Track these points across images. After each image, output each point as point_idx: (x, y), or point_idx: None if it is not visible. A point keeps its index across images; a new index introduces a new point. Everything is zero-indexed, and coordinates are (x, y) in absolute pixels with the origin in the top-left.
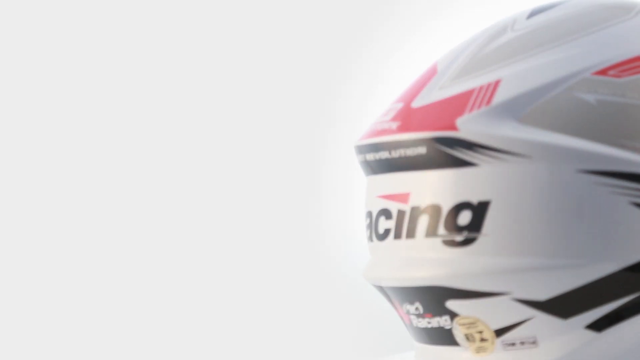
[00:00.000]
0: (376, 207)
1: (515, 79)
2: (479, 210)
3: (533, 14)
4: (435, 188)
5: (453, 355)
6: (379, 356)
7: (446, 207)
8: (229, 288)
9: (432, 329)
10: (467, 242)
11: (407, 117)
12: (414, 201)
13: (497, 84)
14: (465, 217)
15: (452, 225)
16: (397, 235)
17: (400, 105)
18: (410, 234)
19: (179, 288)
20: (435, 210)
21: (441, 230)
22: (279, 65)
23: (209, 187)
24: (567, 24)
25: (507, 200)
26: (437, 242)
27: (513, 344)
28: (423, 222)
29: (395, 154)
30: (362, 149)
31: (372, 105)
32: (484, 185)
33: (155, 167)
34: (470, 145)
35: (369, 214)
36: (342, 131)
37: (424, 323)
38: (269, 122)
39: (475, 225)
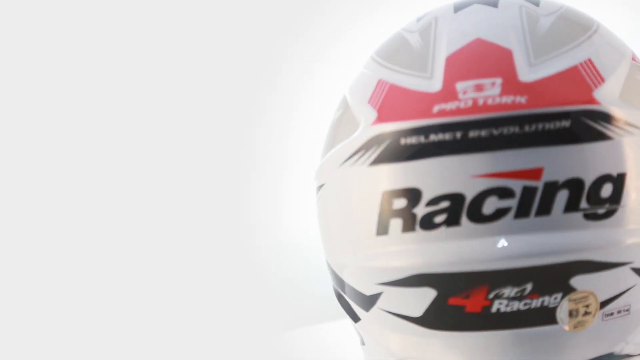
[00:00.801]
0: (475, 187)
1: (604, 58)
2: (619, 182)
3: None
4: (577, 162)
5: (542, 336)
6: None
7: (588, 180)
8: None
9: (526, 310)
10: (608, 214)
11: (529, 91)
12: (548, 176)
13: (590, 62)
14: (607, 190)
15: (595, 198)
16: (522, 214)
17: (499, 80)
18: (544, 210)
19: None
20: (577, 184)
21: (583, 204)
22: (208, 60)
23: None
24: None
25: None
26: (577, 216)
27: (612, 314)
28: (562, 197)
29: (530, 128)
30: (465, 125)
31: (303, 102)
32: (621, 158)
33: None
34: (610, 119)
35: (455, 197)
36: (271, 127)
37: (517, 306)
38: (201, 116)
39: (616, 197)
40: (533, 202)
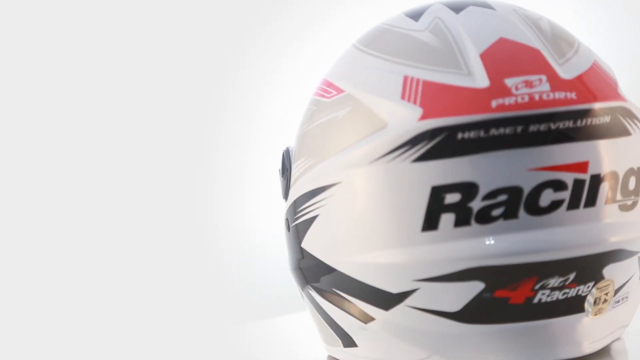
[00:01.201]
0: (533, 180)
1: (600, 60)
2: (639, 175)
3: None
4: (613, 155)
5: (569, 323)
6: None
7: (621, 173)
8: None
9: (565, 300)
10: (633, 205)
11: (575, 88)
12: (593, 169)
13: (597, 64)
14: (633, 182)
15: (626, 190)
16: (574, 206)
17: (544, 77)
18: (590, 202)
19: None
20: (614, 177)
21: (619, 195)
22: (169, 58)
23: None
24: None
25: None
26: (614, 207)
27: (619, 301)
28: (604, 189)
29: (582, 123)
30: (526, 119)
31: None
32: (639, 152)
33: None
34: (632, 116)
35: (513, 190)
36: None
37: (557, 295)
38: (163, 117)
39: (638, 189)
40: (582, 194)
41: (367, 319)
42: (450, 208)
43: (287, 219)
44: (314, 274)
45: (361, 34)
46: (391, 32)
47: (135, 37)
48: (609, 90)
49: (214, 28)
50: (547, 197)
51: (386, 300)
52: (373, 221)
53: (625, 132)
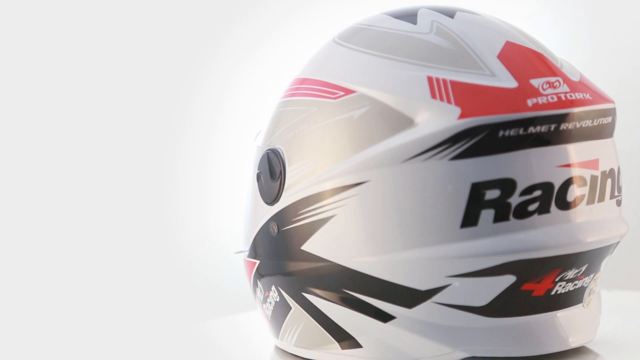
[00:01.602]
0: (561, 176)
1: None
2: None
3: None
4: (612, 153)
5: (573, 313)
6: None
7: (617, 170)
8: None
9: (573, 290)
10: (621, 201)
11: (585, 90)
12: (602, 166)
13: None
14: (620, 180)
15: (618, 186)
16: (591, 201)
17: (560, 79)
18: (602, 197)
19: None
20: (614, 173)
21: (616, 191)
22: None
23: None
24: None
25: None
26: (614, 202)
27: (594, 292)
28: (609, 185)
29: (596, 122)
30: (559, 118)
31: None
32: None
33: None
34: (616, 118)
35: (546, 185)
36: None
37: (570, 287)
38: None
39: (621, 186)
40: (596, 189)
41: (385, 318)
42: (490, 204)
43: (273, 223)
44: (315, 276)
45: (350, 35)
46: (392, 35)
47: (103, 36)
48: (603, 93)
49: (180, 29)
50: (572, 192)
51: (412, 298)
52: (407, 219)
53: (613, 132)
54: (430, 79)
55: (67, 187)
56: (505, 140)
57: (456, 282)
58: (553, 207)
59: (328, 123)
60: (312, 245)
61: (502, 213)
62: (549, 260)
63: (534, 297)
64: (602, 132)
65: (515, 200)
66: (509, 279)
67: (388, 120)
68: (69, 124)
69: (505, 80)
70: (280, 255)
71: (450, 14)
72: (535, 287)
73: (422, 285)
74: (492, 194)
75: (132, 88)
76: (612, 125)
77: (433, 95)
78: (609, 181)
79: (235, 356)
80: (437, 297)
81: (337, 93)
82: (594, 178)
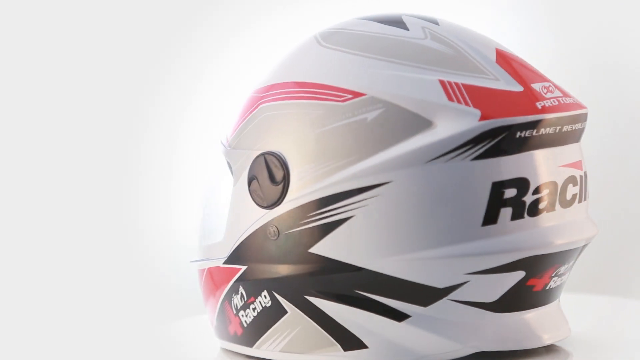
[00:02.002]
0: (562, 176)
1: None
2: None
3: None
4: (582, 156)
5: (551, 310)
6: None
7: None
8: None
9: (560, 285)
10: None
11: (569, 95)
12: (584, 167)
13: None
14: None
15: (587, 188)
16: (580, 199)
17: (551, 84)
18: (584, 196)
19: None
20: (586, 175)
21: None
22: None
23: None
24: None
25: None
26: (587, 203)
27: None
28: (587, 185)
29: (581, 125)
30: (564, 120)
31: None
32: None
33: None
34: None
35: (551, 184)
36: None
37: (558, 282)
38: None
39: None
40: (583, 189)
41: (400, 317)
42: (508, 202)
43: (273, 227)
44: (323, 279)
45: (341, 39)
46: (390, 39)
47: (63, 36)
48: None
49: (142, 31)
50: (570, 191)
51: (428, 296)
52: (430, 219)
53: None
54: (442, 82)
55: (29, 187)
56: (521, 141)
57: (474, 279)
58: (557, 205)
59: (338, 125)
60: (323, 248)
61: (518, 211)
62: (554, 256)
63: (534, 292)
64: (581, 135)
65: (529, 198)
66: (519, 275)
67: (405, 123)
68: (31, 123)
69: (511, 85)
70: (281, 259)
71: (433, 21)
72: (536, 283)
73: (441, 283)
74: (509, 193)
75: (95, 85)
76: (584, 128)
77: (450, 98)
78: (587, 182)
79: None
80: (453, 295)
81: (344, 96)
82: (581, 178)
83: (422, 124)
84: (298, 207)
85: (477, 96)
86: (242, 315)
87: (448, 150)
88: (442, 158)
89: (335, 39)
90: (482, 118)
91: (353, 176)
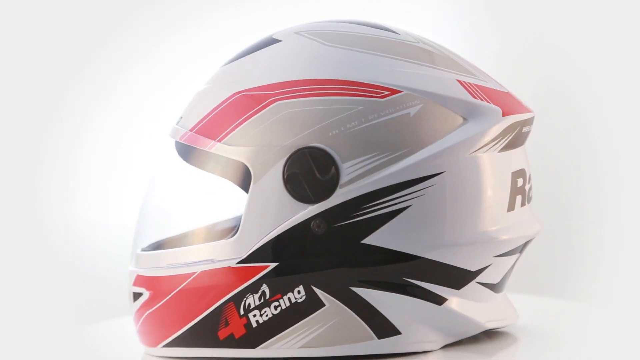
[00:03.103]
0: (524, 176)
1: None
2: None
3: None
4: None
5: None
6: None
7: None
8: None
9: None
10: None
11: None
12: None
13: None
14: None
15: None
16: (524, 202)
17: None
18: (529, 199)
19: None
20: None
21: None
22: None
23: None
24: None
25: None
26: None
27: None
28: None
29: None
30: (528, 122)
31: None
32: None
33: None
34: None
35: (530, 177)
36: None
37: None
38: None
39: None
40: (528, 192)
41: (440, 301)
42: (520, 191)
43: (320, 221)
44: (374, 269)
45: (347, 40)
46: (390, 41)
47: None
48: None
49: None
50: (527, 184)
51: (463, 279)
52: (473, 206)
53: None
54: (460, 82)
55: None
56: (523, 135)
57: (496, 261)
58: (526, 202)
59: (382, 120)
60: (377, 238)
61: (525, 198)
62: (528, 240)
63: (508, 272)
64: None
65: (527, 187)
66: (515, 257)
67: (443, 118)
68: None
69: (497, 86)
70: (326, 253)
71: (395, 29)
72: (514, 263)
73: (473, 266)
74: (520, 182)
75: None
76: None
77: (474, 96)
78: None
79: None
80: (480, 277)
81: (381, 92)
82: (529, 177)
83: (456, 119)
84: (351, 200)
85: (491, 95)
86: (254, 316)
87: (485, 143)
88: (480, 150)
89: (337, 39)
90: (504, 114)
91: (409, 167)
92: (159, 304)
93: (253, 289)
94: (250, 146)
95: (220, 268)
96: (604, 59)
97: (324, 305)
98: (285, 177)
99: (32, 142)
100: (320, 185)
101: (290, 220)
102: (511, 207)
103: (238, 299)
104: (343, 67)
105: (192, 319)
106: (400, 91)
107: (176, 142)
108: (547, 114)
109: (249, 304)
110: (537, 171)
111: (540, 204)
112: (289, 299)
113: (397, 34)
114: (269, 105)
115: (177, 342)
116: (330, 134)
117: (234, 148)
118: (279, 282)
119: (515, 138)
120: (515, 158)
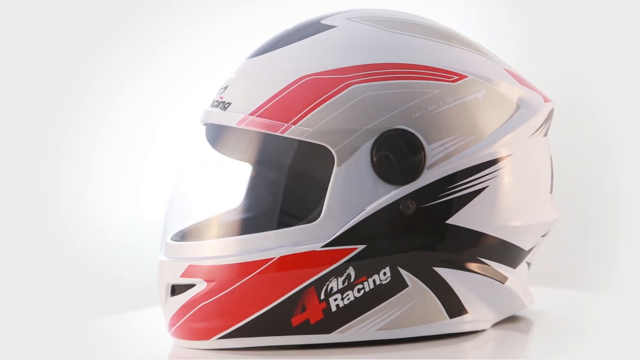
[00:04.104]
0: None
1: None
2: None
3: None
4: None
5: None
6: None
7: None
8: None
9: None
10: None
11: None
12: None
13: None
14: None
15: None
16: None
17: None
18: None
19: None
20: None
21: None
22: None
23: None
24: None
25: None
26: None
27: None
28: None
29: None
30: (552, 111)
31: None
32: None
33: None
34: None
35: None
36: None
37: None
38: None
39: None
40: None
41: (503, 279)
42: (552, 175)
43: (409, 202)
44: (456, 249)
45: (404, 26)
46: (434, 26)
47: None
48: None
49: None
50: None
51: (518, 257)
52: (532, 187)
53: None
54: (506, 70)
55: None
56: (549, 124)
57: (540, 241)
58: None
59: (457, 104)
60: (460, 218)
61: (552, 184)
62: None
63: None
64: None
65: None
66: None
67: (503, 103)
68: None
69: (516, 76)
70: (413, 233)
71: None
72: None
73: (527, 245)
74: (551, 167)
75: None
76: None
77: (521, 83)
78: None
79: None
80: (528, 257)
81: (452, 77)
82: None
83: (512, 105)
84: (438, 181)
85: (527, 84)
86: (335, 300)
87: (537, 127)
88: (535, 134)
89: (397, 26)
90: (545, 101)
91: (485, 149)
92: (221, 294)
93: (338, 272)
94: (330, 129)
95: (303, 252)
96: (613, 55)
97: (407, 286)
98: (374, 159)
99: (51, 136)
100: (411, 166)
101: (379, 201)
102: (550, 190)
103: (320, 283)
104: (411, 52)
105: (262, 307)
106: (467, 76)
107: (233, 127)
108: (567, 106)
109: (331, 288)
110: (559, 161)
111: (560, 195)
112: (374, 281)
113: (436, 22)
114: (346, 88)
115: (239, 333)
116: (414, 116)
117: (312, 131)
118: (366, 265)
119: (549, 124)
120: (548, 145)
